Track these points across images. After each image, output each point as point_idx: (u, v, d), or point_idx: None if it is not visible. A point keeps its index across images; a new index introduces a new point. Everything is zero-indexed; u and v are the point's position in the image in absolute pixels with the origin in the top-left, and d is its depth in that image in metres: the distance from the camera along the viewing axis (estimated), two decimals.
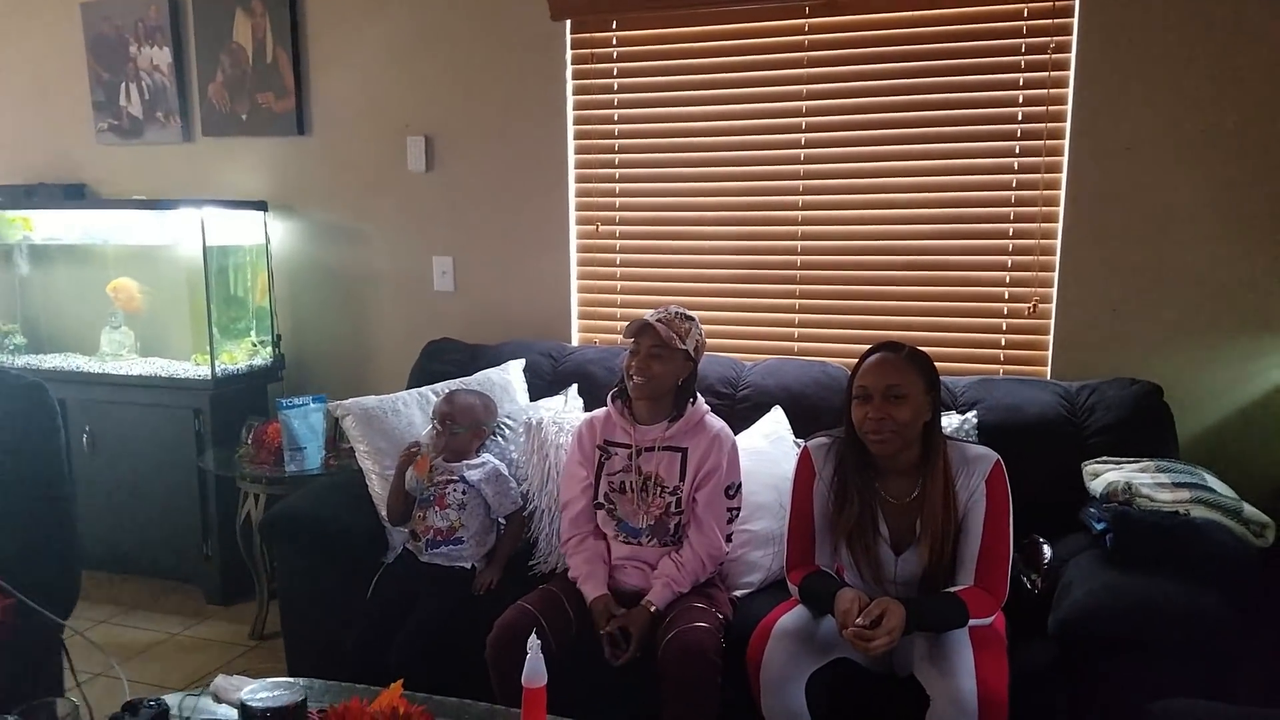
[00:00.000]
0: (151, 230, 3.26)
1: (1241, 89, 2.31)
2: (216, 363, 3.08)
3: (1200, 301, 2.40)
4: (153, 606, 3.09)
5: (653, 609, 1.96)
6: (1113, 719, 1.68)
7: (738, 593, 2.12)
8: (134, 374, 3.16)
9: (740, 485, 2.08)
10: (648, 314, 2.08)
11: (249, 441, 2.91)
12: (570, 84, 2.90)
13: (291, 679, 1.74)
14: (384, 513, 2.40)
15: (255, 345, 3.27)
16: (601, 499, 2.12)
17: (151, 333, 3.38)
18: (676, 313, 2.08)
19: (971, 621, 1.70)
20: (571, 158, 2.94)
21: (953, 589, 1.75)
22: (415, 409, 2.53)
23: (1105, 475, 2.00)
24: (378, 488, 2.43)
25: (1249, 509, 1.87)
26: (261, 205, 3.25)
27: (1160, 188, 2.40)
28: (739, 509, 2.08)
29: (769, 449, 2.30)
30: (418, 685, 1.62)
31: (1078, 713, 1.74)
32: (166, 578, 3.24)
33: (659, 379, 2.04)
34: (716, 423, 2.10)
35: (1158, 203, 2.41)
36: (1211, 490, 1.91)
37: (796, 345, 2.81)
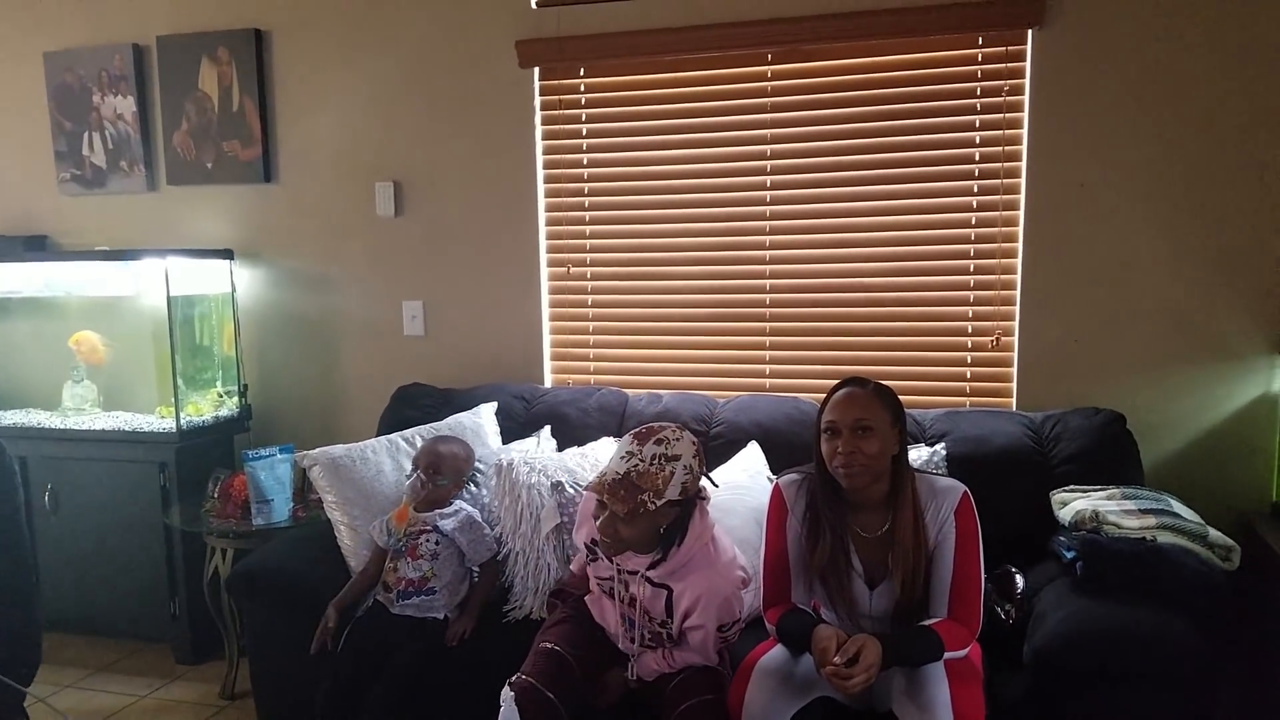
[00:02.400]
0: (115, 281, 3.25)
1: (1187, 127, 2.42)
2: (181, 415, 3.06)
3: (1159, 331, 2.48)
4: (120, 668, 3.02)
5: (627, 678, 1.94)
6: None
7: None
8: (97, 428, 3.13)
9: (740, 618, 1.89)
10: (615, 456, 1.79)
11: (215, 495, 2.88)
12: (539, 129, 2.96)
13: None
14: (354, 564, 2.39)
15: (221, 396, 3.26)
16: (597, 593, 2.03)
17: (115, 386, 3.35)
18: (653, 457, 1.75)
19: (947, 654, 1.72)
20: (542, 201, 2.99)
21: (927, 622, 1.77)
22: (385, 456, 2.53)
23: (1073, 504, 2.05)
24: (347, 539, 2.42)
25: (1214, 533, 1.93)
26: (228, 254, 3.26)
27: (1115, 222, 2.49)
28: (742, 625, 1.94)
29: (748, 483, 2.33)
30: None
31: None
32: (133, 638, 3.18)
33: (630, 540, 1.82)
34: (712, 567, 1.85)
35: (1113, 237, 2.50)
36: (1177, 516, 1.96)
37: (768, 382, 2.85)
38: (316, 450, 2.49)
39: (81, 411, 3.29)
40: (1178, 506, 2.02)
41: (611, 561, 1.91)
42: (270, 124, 3.22)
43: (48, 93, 3.45)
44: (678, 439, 1.80)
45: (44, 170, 3.50)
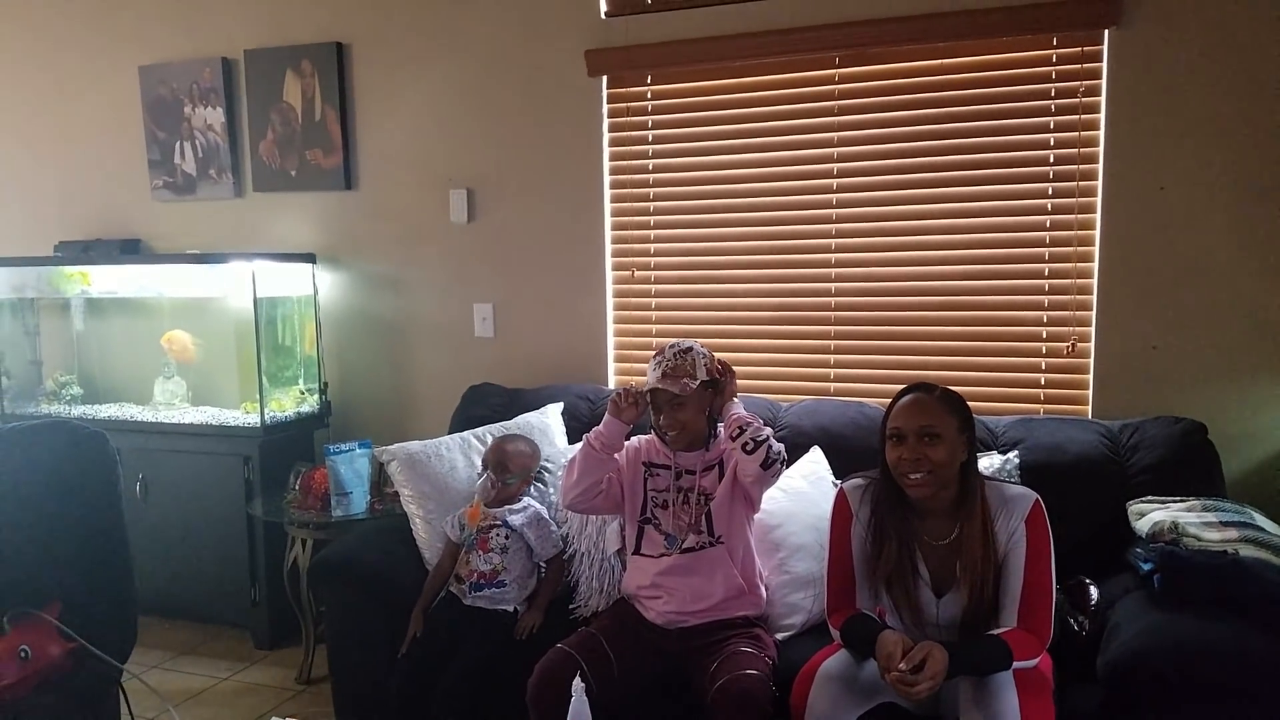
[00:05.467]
0: (204, 283, 3.41)
1: (1272, 128, 2.34)
2: (266, 411, 3.19)
3: (1242, 338, 2.40)
4: (202, 651, 3.17)
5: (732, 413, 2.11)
6: None
7: (779, 635, 2.14)
8: (186, 422, 3.29)
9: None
10: (650, 372, 2.13)
11: (296, 487, 3.00)
12: (606, 136, 3.01)
13: None
14: (428, 555, 2.46)
15: (303, 393, 3.39)
16: (649, 514, 2.18)
17: (203, 382, 3.51)
18: (674, 354, 2.11)
19: (1016, 664, 1.70)
20: (608, 206, 3.04)
21: (996, 631, 1.75)
22: (458, 453, 2.60)
23: (1151, 515, 2.00)
24: (422, 531, 2.50)
25: None
26: (310, 257, 3.39)
27: (1196, 225, 2.42)
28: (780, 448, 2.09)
29: (809, 489, 2.33)
30: None
31: None
32: (215, 622, 3.33)
33: (691, 424, 2.13)
34: None
35: (1194, 240, 2.43)
36: (1260, 529, 1.90)
37: (832, 386, 2.84)
38: (395, 446, 2.57)
39: (172, 406, 3.46)
40: (1261, 520, 1.96)
41: (671, 469, 2.18)
42: (350, 133, 3.34)
43: (143, 104, 3.64)
44: (681, 341, 2.15)
45: (139, 177, 3.69)
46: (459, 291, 3.25)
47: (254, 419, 3.20)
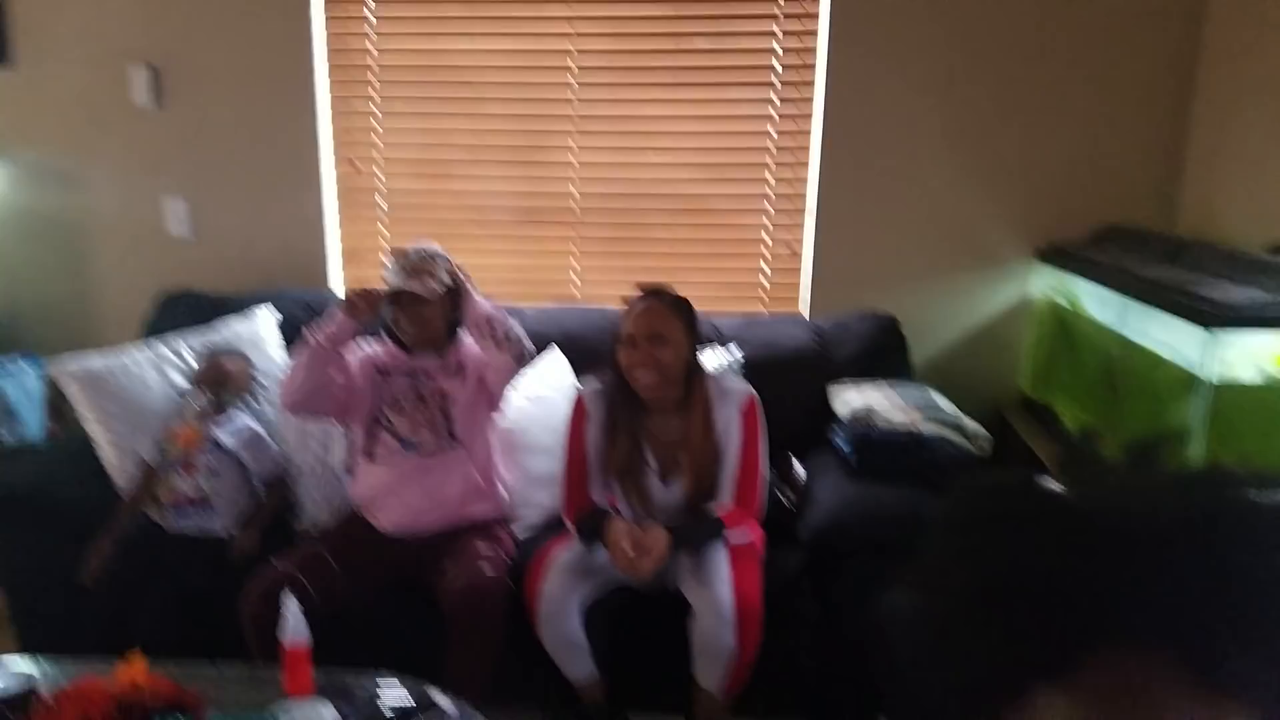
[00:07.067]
0: None
1: (973, 44, 2.65)
2: None
3: (936, 240, 2.79)
4: None
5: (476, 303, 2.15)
6: (854, 611, 1.98)
7: (521, 534, 2.25)
8: None
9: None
10: (392, 273, 2.12)
11: None
12: (320, 13, 2.82)
13: (15, 656, 1.67)
14: (121, 483, 2.29)
15: None
16: (381, 418, 2.19)
17: None
18: (418, 256, 2.14)
19: (730, 533, 1.95)
20: (323, 92, 2.88)
21: (712, 506, 1.98)
22: (148, 368, 2.43)
23: (848, 399, 2.31)
24: (111, 456, 2.34)
25: (969, 423, 2.24)
26: None
27: (903, 137, 2.74)
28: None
29: (551, 395, 2.43)
30: (169, 655, 1.62)
31: (826, 608, 2.05)
32: None
33: (431, 324, 2.17)
34: None
35: (900, 151, 2.74)
36: (937, 408, 2.26)
37: (578, 291, 2.94)
38: (73, 363, 2.34)
39: None
40: (939, 399, 2.32)
41: (406, 372, 2.19)
42: None
43: None
44: (425, 245, 2.18)
45: None
46: (145, 185, 2.94)
47: None
